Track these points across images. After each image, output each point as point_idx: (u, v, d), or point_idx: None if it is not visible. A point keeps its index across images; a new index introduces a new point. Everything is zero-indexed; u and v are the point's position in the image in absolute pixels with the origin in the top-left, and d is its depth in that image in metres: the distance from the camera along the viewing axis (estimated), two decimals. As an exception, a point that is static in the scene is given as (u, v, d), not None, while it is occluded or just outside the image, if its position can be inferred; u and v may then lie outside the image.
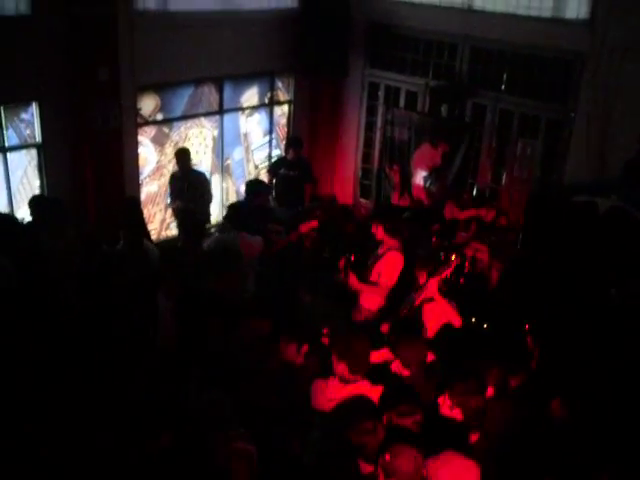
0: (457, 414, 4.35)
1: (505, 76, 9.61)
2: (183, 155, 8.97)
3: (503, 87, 9.65)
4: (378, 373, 5.03)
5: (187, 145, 9.77)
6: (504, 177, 10.08)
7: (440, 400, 4.45)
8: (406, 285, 7.03)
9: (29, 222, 7.27)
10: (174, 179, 9.13)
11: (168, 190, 9.35)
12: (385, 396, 4.75)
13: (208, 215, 9.55)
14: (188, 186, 8.90)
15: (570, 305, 6.88)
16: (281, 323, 5.28)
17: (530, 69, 9.36)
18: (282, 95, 11.23)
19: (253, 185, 8.79)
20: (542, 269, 7.69)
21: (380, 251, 6.89)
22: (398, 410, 4.32)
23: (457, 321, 5.91)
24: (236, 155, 10.88)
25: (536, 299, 7.22)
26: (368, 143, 11.62)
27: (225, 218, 7.89)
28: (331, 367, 4.87)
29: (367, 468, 3.91)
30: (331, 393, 4.79)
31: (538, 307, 6.96)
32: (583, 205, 8.06)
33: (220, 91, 10.02)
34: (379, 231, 6.82)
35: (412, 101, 10.68)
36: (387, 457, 3.75)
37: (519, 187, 9.89)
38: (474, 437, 4.36)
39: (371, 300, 6.83)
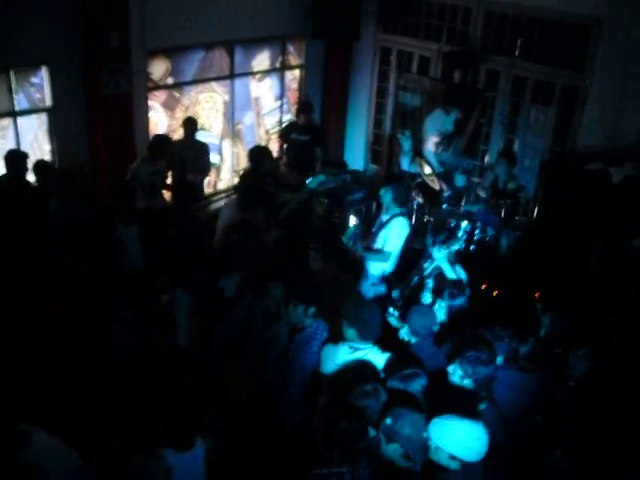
0: (467, 383, 4.35)
1: (520, 42, 9.45)
2: (192, 124, 8.92)
3: (517, 53, 9.50)
4: (387, 340, 5.04)
5: (198, 109, 9.73)
6: (516, 144, 10.00)
7: (451, 368, 4.45)
8: (415, 251, 7.05)
9: (37, 187, 7.31)
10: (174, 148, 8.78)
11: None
12: (391, 361, 4.79)
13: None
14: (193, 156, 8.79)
15: (580, 273, 6.87)
16: (291, 286, 5.27)
17: (546, 35, 9.22)
18: (293, 59, 11.14)
19: (255, 152, 8.72)
20: (554, 237, 7.68)
21: (385, 218, 6.87)
22: (402, 374, 4.35)
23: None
24: (247, 120, 10.83)
25: (547, 267, 7.21)
26: (379, 108, 11.54)
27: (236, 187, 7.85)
28: (340, 333, 4.89)
29: (370, 432, 3.92)
30: (340, 359, 4.82)
31: (549, 275, 6.96)
32: (596, 173, 8.01)
33: (231, 55, 9.93)
34: (387, 197, 6.79)
35: (424, 66, 10.59)
36: (388, 420, 3.78)
37: (532, 154, 9.83)
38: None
39: (376, 267, 6.83)
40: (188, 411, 4.05)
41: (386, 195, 6.77)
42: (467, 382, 4.34)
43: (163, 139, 8.36)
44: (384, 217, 6.87)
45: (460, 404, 3.95)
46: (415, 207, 9.09)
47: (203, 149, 9.10)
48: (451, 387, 4.39)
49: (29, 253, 6.44)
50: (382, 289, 6.84)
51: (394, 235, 6.68)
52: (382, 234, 6.74)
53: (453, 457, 3.71)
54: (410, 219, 7.06)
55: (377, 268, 6.81)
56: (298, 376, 5.04)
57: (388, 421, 3.76)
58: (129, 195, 6.79)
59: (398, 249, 6.76)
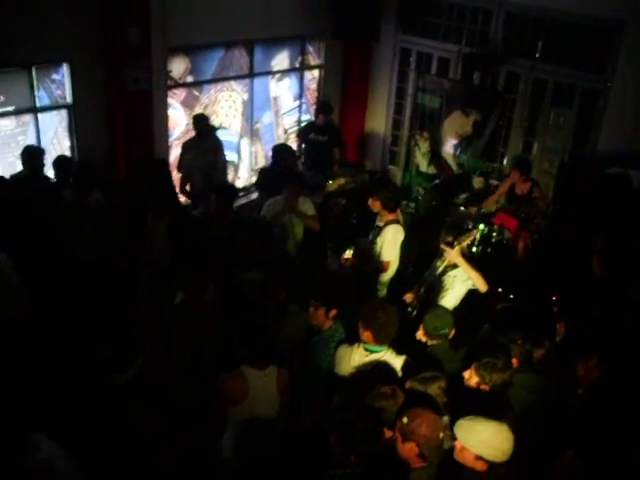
0: (483, 387, 4.32)
1: (540, 44, 9.40)
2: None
3: (538, 55, 9.46)
4: (403, 342, 5.02)
5: (217, 108, 9.75)
6: (535, 147, 9.94)
7: (466, 374, 4.41)
8: (425, 254, 7.03)
9: (54, 181, 7.38)
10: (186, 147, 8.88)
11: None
12: (408, 364, 4.78)
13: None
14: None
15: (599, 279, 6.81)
16: (310, 287, 5.28)
17: (567, 37, 9.16)
18: (313, 59, 11.15)
19: (280, 149, 8.77)
20: (572, 241, 7.62)
21: (379, 224, 6.86)
22: (420, 377, 4.33)
23: (483, 286, 5.85)
24: (265, 119, 10.85)
25: (564, 271, 7.17)
26: (398, 109, 11.51)
27: (255, 183, 7.88)
28: (356, 334, 4.88)
29: (387, 433, 3.92)
30: (355, 361, 4.82)
31: (566, 279, 6.92)
32: (616, 177, 7.95)
33: (250, 54, 9.95)
34: (376, 205, 6.76)
35: (444, 68, 10.55)
36: (404, 419, 3.77)
37: (551, 157, 9.77)
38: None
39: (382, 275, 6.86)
40: None
41: (374, 204, 6.76)
42: (484, 387, 4.31)
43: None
44: (379, 224, 6.87)
45: (481, 408, 3.91)
46: (431, 208, 9.09)
47: (218, 145, 9.05)
48: (470, 391, 4.37)
49: (43, 245, 6.49)
50: (383, 293, 6.90)
51: (390, 242, 6.69)
52: (378, 242, 6.74)
53: (479, 458, 3.68)
54: (405, 223, 7.06)
55: (384, 276, 6.85)
56: (313, 378, 5.04)
57: (405, 420, 3.75)
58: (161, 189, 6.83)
59: (396, 256, 6.79)
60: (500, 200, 9.04)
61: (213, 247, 6.35)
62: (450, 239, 5.92)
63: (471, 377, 4.36)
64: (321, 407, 4.93)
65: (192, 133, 9.06)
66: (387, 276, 6.84)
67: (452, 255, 5.84)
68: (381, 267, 6.75)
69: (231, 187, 7.68)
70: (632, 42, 8.45)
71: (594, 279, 6.69)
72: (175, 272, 5.63)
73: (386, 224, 6.72)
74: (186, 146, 8.86)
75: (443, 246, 5.94)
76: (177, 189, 8.54)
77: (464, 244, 5.87)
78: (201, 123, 8.70)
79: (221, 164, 8.98)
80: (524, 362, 4.77)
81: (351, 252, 6.89)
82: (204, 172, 8.64)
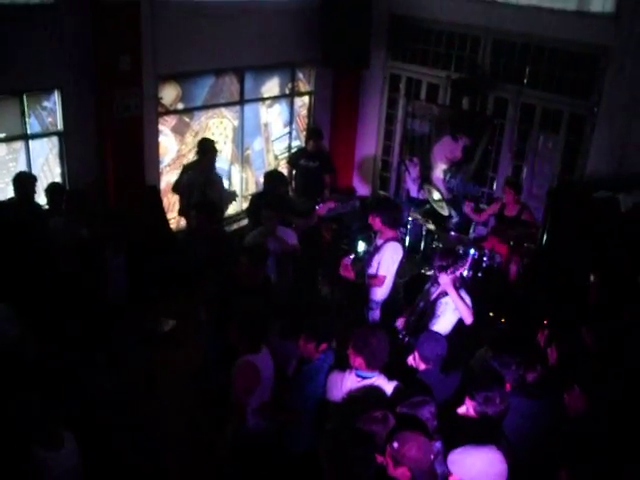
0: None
1: (528, 70, 9.52)
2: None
3: (526, 81, 9.57)
4: (394, 367, 5.01)
5: (207, 135, 9.79)
6: (524, 172, 10.01)
7: (462, 410, 4.35)
8: (423, 277, 7.04)
9: (46, 209, 7.39)
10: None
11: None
12: (399, 389, 4.76)
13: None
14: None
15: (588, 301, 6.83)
16: (301, 318, 5.29)
17: (553, 63, 9.28)
18: (303, 86, 11.23)
19: (271, 176, 8.79)
20: (562, 265, 7.64)
21: (379, 242, 6.88)
22: (411, 402, 4.32)
23: (469, 318, 5.86)
24: (256, 145, 10.89)
25: (555, 295, 7.18)
26: (388, 135, 11.58)
27: (246, 209, 7.89)
28: (347, 360, 4.86)
29: (377, 458, 3.89)
30: (347, 387, 4.80)
31: (557, 303, 6.93)
32: (605, 200, 8.00)
33: (241, 81, 10.01)
34: (376, 223, 6.79)
35: (433, 94, 10.63)
36: (395, 444, 3.75)
37: (540, 182, 9.83)
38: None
39: (377, 292, 6.84)
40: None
41: (374, 221, 6.78)
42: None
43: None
44: (378, 241, 6.88)
45: (473, 433, 3.89)
46: (424, 233, 9.11)
47: (219, 181, 9.05)
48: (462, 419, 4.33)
49: (33, 271, 6.48)
50: (377, 315, 6.87)
51: (388, 259, 6.69)
52: (376, 258, 6.75)
53: None
54: (404, 242, 7.06)
55: (379, 293, 6.82)
56: (302, 407, 5.02)
57: (395, 445, 3.73)
58: (120, 221, 6.86)
59: (393, 273, 6.78)
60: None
61: (198, 266, 6.40)
62: (444, 265, 5.92)
63: (468, 415, 4.29)
64: (313, 434, 4.90)
65: (182, 159, 9.11)
66: (381, 293, 6.83)
67: (444, 283, 5.84)
68: (376, 280, 6.74)
69: (210, 203, 7.70)
70: (616, 68, 8.55)
71: (586, 303, 6.72)
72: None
73: (386, 241, 6.74)
74: (187, 167, 8.99)
75: (437, 272, 5.96)
76: (167, 214, 8.56)
77: (457, 273, 5.87)
78: (204, 146, 8.72)
79: (219, 181, 8.98)
80: (517, 386, 4.76)
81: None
82: (202, 189, 8.62)
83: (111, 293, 6.82)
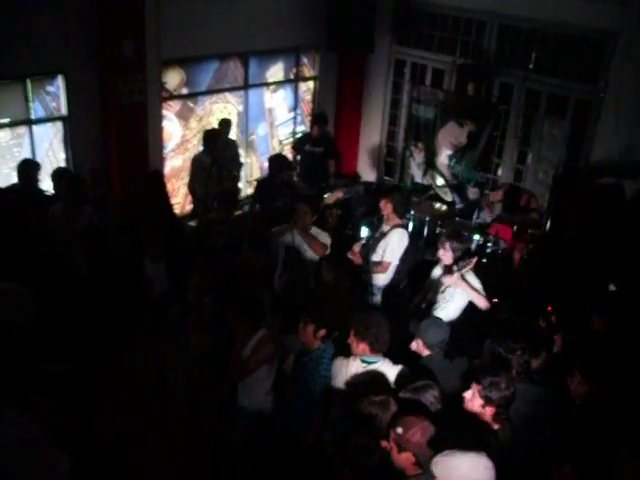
0: (484, 413, 4.23)
1: (534, 55, 9.44)
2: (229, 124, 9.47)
3: (531, 66, 9.50)
4: (398, 352, 5.01)
5: (212, 119, 9.78)
6: (529, 157, 9.97)
7: (468, 395, 4.27)
8: (428, 263, 7.03)
9: (50, 194, 7.37)
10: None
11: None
12: (403, 374, 4.77)
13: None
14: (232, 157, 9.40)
15: (593, 288, 6.83)
16: (303, 303, 5.31)
17: (560, 48, 9.21)
18: (307, 71, 11.18)
19: (277, 160, 8.79)
20: (566, 251, 7.63)
21: (385, 228, 6.88)
22: (414, 386, 4.32)
23: (483, 304, 5.85)
24: (260, 131, 10.87)
25: (560, 281, 7.17)
26: (393, 121, 11.55)
27: (251, 195, 7.89)
28: (350, 347, 4.87)
29: (382, 443, 3.89)
30: (352, 373, 4.81)
31: (561, 288, 6.92)
32: (610, 187, 7.98)
33: (245, 66, 9.98)
34: (387, 208, 6.81)
35: (438, 79, 10.59)
36: (398, 429, 3.75)
37: (545, 168, 9.80)
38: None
39: (380, 278, 6.87)
40: None
41: (386, 206, 6.79)
42: (488, 410, 4.19)
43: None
44: (384, 228, 6.89)
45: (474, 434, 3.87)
46: (427, 219, 9.08)
47: (236, 144, 9.75)
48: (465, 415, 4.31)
49: (36, 257, 6.47)
50: (378, 299, 6.90)
51: (394, 245, 6.73)
52: (382, 244, 6.76)
53: None
54: (409, 229, 7.09)
55: (381, 279, 6.83)
56: (304, 399, 5.04)
57: (399, 430, 3.73)
58: (158, 229, 6.71)
59: (397, 259, 6.81)
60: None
61: (211, 255, 6.39)
62: (450, 264, 5.93)
63: (474, 399, 4.23)
64: (319, 422, 4.91)
65: (186, 144, 9.11)
66: (384, 278, 6.84)
67: (453, 281, 5.83)
68: (380, 267, 6.75)
69: (233, 195, 7.74)
70: (623, 53, 8.49)
71: (592, 291, 6.72)
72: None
73: (392, 228, 6.74)
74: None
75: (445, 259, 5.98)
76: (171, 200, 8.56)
77: (463, 271, 5.84)
78: (228, 128, 9.45)
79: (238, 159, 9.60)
80: (522, 372, 4.76)
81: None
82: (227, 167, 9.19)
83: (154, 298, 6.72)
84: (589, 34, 8.86)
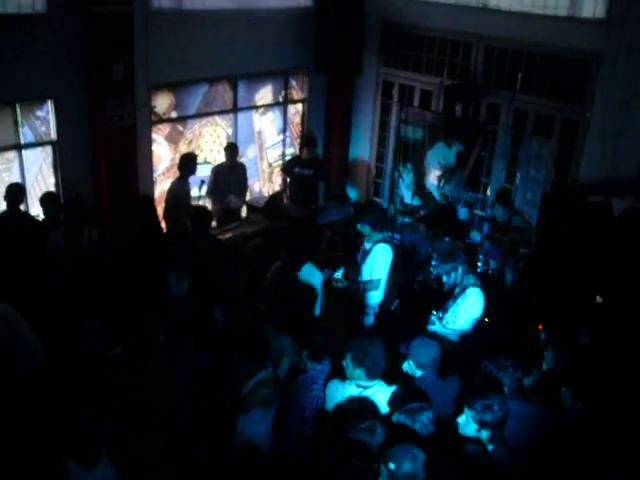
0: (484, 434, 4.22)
1: (520, 75, 9.55)
2: (235, 148, 9.53)
3: (518, 87, 9.60)
4: (392, 374, 5.00)
5: (201, 143, 9.80)
6: (518, 177, 10.03)
7: (462, 420, 4.27)
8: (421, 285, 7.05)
9: (41, 220, 7.35)
10: (220, 172, 9.45)
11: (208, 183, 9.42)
12: (396, 394, 4.75)
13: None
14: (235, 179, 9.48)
15: (585, 304, 6.85)
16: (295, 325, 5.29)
17: (545, 69, 9.30)
18: (296, 93, 11.24)
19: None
20: (556, 269, 7.65)
21: (367, 246, 6.91)
22: (407, 408, 4.30)
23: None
24: (250, 153, 10.89)
25: (550, 298, 7.19)
26: (382, 142, 11.61)
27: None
28: (344, 371, 4.84)
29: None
30: (346, 396, 4.78)
31: (552, 306, 6.94)
32: (598, 205, 8.02)
33: (234, 89, 10.03)
34: (365, 229, 6.86)
35: (426, 100, 10.66)
36: (391, 466, 3.70)
37: (533, 187, 9.85)
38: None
39: (373, 296, 6.87)
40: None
41: (364, 227, 6.85)
42: (484, 434, 4.19)
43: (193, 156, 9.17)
44: (367, 245, 6.91)
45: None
46: (418, 240, 9.10)
47: (245, 169, 9.85)
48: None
49: (29, 284, 6.44)
50: (371, 319, 6.90)
51: (379, 262, 6.75)
52: (367, 263, 6.77)
53: None
54: (393, 245, 7.14)
55: (374, 298, 6.84)
56: (296, 418, 4.99)
57: (392, 466, 3.67)
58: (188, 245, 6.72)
59: (385, 275, 6.81)
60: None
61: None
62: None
63: (468, 424, 4.23)
64: (312, 444, 4.88)
65: (176, 168, 9.14)
66: (375, 296, 6.85)
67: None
68: (371, 285, 6.76)
69: (207, 213, 7.70)
70: (608, 73, 8.58)
71: (583, 306, 6.74)
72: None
73: (374, 244, 6.77)
74: (219, 171, 9.48)
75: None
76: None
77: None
78: (235, 152, 9.59)
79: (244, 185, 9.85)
80: (514, 390, 4.76)
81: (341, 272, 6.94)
82: (237, 190, 9.51)
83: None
84: (574, 54, 8.96)
